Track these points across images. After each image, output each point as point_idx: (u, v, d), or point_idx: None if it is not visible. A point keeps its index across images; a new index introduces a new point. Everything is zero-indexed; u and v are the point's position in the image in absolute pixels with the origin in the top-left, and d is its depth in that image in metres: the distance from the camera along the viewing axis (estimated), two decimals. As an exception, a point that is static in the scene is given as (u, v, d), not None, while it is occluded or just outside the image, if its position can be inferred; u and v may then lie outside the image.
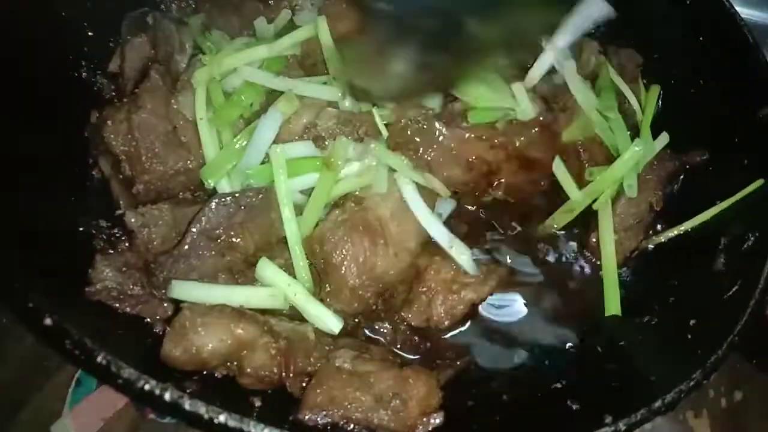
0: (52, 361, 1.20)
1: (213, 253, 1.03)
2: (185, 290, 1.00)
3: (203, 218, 1.03)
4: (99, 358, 0.79)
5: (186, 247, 1.02)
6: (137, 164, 1.10)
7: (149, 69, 1.19)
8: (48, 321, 0.80)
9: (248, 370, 0.96)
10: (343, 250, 1.06)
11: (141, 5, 1.32)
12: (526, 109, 1.17)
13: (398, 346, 1.11)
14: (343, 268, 1.06)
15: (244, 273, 1.07)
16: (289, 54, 1.22)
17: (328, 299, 1.07)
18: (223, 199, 1.05)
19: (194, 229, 1.03)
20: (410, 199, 1.11)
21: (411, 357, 1.10)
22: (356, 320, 1.10)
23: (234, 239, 1.04)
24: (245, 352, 0.94)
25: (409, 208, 1.11)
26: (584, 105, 1.22)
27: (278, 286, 1.03)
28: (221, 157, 1.12)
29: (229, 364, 0.96)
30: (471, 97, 1.16)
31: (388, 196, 1.11)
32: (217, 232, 1.03)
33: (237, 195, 1.05)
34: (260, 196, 1.06)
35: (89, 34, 1.26)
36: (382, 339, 1.11)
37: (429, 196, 1.14)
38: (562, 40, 1.23)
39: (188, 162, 1.14)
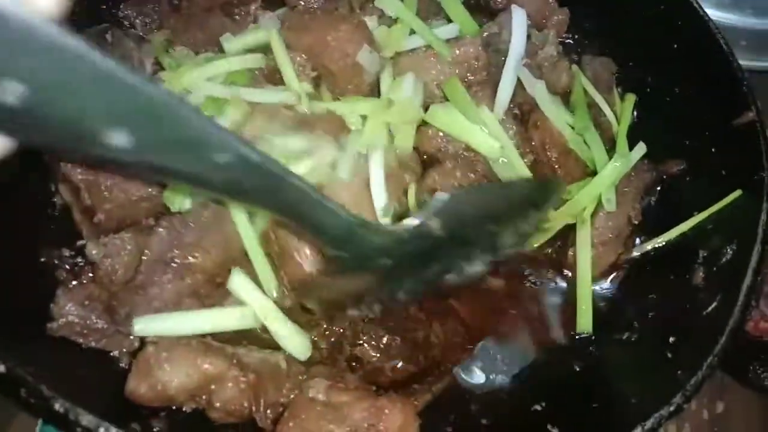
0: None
1: (171, 277, 1.00)
2: (149, 325, 0.96)
3: (153, 244, 1.01)
4: (56, 406, 0.76)
5: (141, 276, 0.99)
6: (97, 193, 1.06)
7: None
8: (1, 368, 0.76)
9: (217, 404, 0.93)
10: (297, 238, 1.03)
11: (103, 22, 1.28)
12: (490, 146, 1.16)
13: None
14: (296, 254, 1.03)
15: (210, 295, 1.04)
16: (256, 68, 1.18)
17: (285, 293, 1.05)
18: (171, 221, 1.02)
19: (145, 258, 1.00)
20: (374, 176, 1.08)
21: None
22: (332, 341, 1.07)
23: (189, 259, 1.01)
24: (213, 386, 0.91)
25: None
26: (557, 123, 1.20)
27: (248, 304, 1.00)
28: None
29: (197, 398, 0.93)
30: (441, 122, 1.15)
31: (351, 184, 1.08)
32: (170, 255, 1.00)
33: (183, 214, 1.03)
34: (211, 211, 1.04)
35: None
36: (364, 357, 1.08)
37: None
38: (513, 60, 1.20)
39: (150, 188, 1.10)
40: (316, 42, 1.14)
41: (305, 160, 1.06)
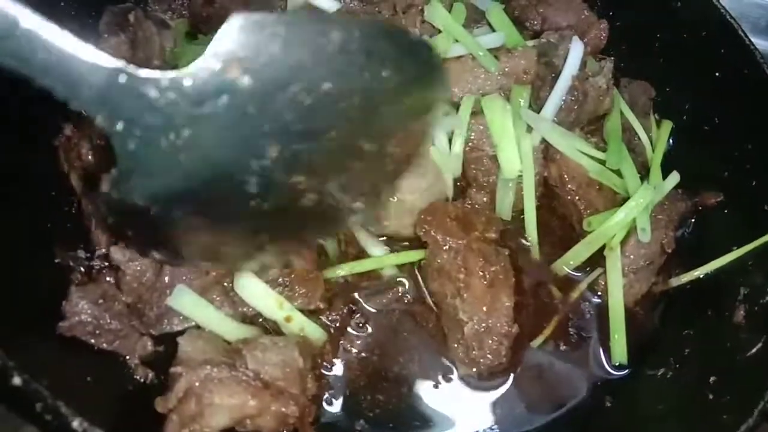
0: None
1: (197, 273, 0.97)
2: (186, 300, 0.94)
3: None
4: (74, 425, 0.69)
5: (167, 276, 0.95)
6: None
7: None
8: (17, 381, 0.69)
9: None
10: None
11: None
12: (512, 164, 1.13)
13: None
14: None
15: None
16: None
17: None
18: None
19: None
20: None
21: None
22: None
23: None
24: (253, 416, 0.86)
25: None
26: (573, 157, 1.17)
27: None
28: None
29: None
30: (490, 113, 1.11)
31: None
32: None
33: None
34: None
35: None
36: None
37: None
38: (549, 112, 1.18)
39: None
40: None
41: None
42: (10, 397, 0.70)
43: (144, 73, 0.63)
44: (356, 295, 1.10)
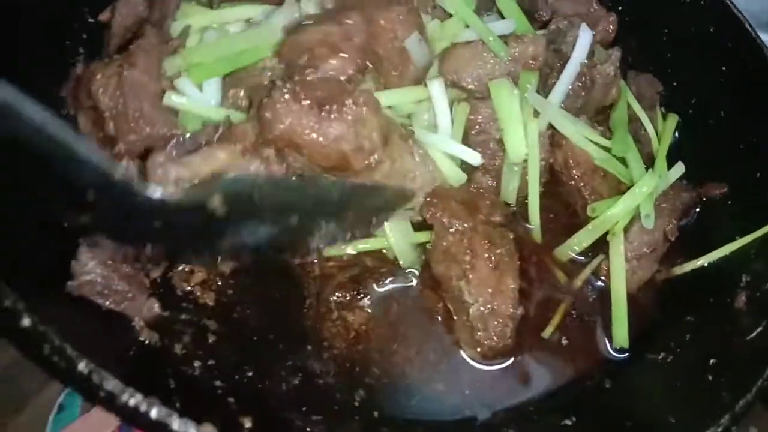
0: (33, 383, 1.08)
1: None
2: None
3: None
4: (81, 367, 0.70)
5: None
6: (123, 123, 1.03)
7: (142, 28, 1.14)
8: (26, 322, 0.71)
9: None
10: None
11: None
12: (519, 148, 1.14)
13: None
14: None
15: None
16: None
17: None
18: (179, 140, 0.99)
19: None
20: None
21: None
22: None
23: None
24: None
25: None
26: (578, 143, 1.19)
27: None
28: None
29: None
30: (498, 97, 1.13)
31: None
32: None
33: (195, 134, 1.01)
34: (219, 131, 1.02)
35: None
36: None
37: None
38: (557, 98, 1.19)
39: (174, 129, 1.06)
40: (366, 21, 1.10)
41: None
42: (19, 337, 0.71)
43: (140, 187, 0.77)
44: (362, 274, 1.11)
